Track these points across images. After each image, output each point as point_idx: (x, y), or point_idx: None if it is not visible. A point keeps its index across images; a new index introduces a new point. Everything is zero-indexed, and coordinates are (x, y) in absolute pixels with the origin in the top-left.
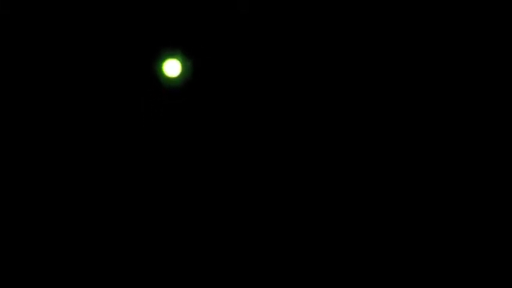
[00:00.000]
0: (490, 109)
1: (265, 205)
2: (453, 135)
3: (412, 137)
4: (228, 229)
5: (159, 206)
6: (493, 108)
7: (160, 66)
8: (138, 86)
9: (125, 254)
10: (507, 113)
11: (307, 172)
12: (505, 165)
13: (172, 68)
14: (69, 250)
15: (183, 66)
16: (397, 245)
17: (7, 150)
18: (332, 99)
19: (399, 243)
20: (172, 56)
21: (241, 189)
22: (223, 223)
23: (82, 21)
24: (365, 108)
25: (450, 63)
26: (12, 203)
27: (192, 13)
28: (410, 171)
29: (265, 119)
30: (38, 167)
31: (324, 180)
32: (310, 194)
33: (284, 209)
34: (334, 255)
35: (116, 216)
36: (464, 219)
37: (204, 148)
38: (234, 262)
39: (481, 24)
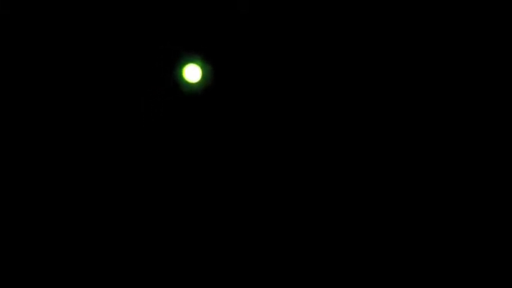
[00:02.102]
0: (490, 109)
1: (279, 209)
2: (453, 135)
3: (412, 137)
4: (240, 235)
5: (175, 210)
6: (493, 108)
7: (181, 71)
8: (157, 91)
9: (125, 254)
10: (507, 113)
11: (323, 178)
12: (505, 165)
13: (192, 73)
14: (69, 250)
15: (204, 71)
16: (397, 245)
17: (17, 151)
18: (346, 100)
19: (399, 243)
20: (192, 61)
21: (260, 193)
22: (238, 228)
23: (99, 27)
24: (369, 108)
25: (450, 63)
26: (12, 203)
27: (212, 18)
28: (410, 171)
29: (286, 124)
30: (54, 168)
31: (330, 182)
32: (319, 197)
33: (296, 213)
34: (334, 255)
35: (129, 218)
36: (464, 219)
37: (224, 154)
38: (234, 262)
39: (481, 24)
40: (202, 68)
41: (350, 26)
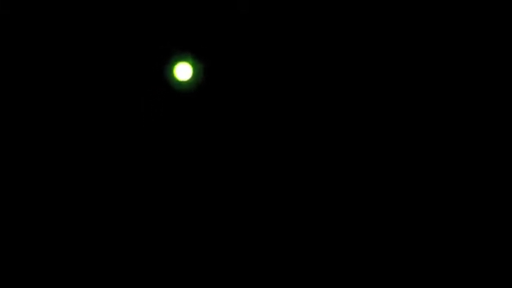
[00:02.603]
0: (490, 109)
1: (273, 207)
2: (453, 135)
3: (412, 137)
4: (230, 234)
5: (169, 210)
6: (493, 108)
7: (172, 69)
8: (148, 90)
9: (125, 254)
10: (507, 113)
11: (315, 175)
12: (505, 165)
13: (183, 71)
14: (69, 250)
15: (194, 69)
16: (397, 245)
17: (17, 151)
18: (340, 99)
19: (399, 243)
20: (183, 59)
21: (251, 191)
22: (228, 227)
23: (90, 25)
24: (366, 108)
25: (450, 63)
26: (12, 203)
27: (202, 16)
28: (410, 171)
29: (276, 122)
30: (49, 169)
31: (328, 182)
32: (314, 196)
33: (292, 212)
34: (334, 255)
35: (128, 218)
36: (464, 219)
37: (215, 152)
38: (234, 262)
39: (481, 24)
40: (193, 66)
41: (348, 28)
